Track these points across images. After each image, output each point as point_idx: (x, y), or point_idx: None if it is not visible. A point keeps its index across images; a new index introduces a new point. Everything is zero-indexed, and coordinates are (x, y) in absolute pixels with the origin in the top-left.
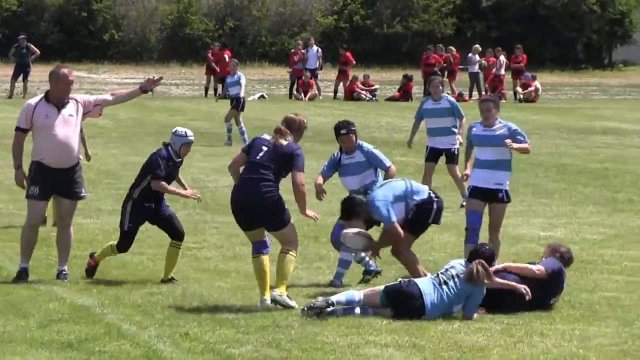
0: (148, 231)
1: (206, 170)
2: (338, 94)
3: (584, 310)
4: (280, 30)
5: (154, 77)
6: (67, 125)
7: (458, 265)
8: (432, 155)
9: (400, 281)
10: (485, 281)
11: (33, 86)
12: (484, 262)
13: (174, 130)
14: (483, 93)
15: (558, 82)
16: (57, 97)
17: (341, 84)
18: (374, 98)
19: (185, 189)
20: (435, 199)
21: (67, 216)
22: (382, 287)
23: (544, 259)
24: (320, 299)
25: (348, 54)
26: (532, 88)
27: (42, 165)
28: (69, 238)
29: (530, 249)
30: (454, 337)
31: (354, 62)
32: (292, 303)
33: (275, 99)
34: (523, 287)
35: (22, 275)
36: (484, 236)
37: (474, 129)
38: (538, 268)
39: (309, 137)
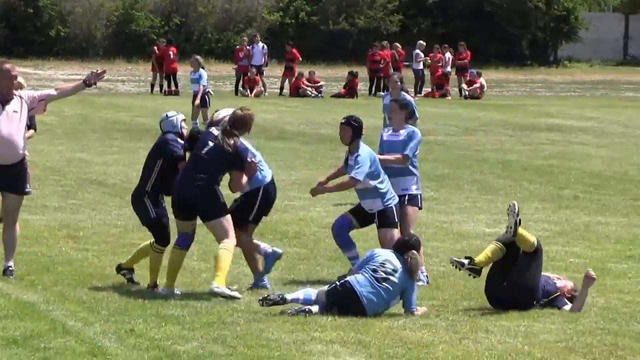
0: (93, 227)
1: None
2: (284, 91)
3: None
4: (226, 27)
5: (97, 70)
6: (11, 122)
7: (392, 258)
8: None
9: (335, 283)
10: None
11: None
12: (415, 253)
13: (163, 117)
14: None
15: (503, 78)
16: (0, 93)
17: (287, 80)
18: (319, 95)
19: None
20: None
21: (12, 211)
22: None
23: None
24: (276, 294)
25: (294, 50)
26: (478, 85)
27: None
28: (15, 234)
29: (476, 246)
30: (400, 334)
31: (300, 58)
32: (234, 293)
33: (221, 95)
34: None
35: None
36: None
37: (385, 133)
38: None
39: (255, 134)
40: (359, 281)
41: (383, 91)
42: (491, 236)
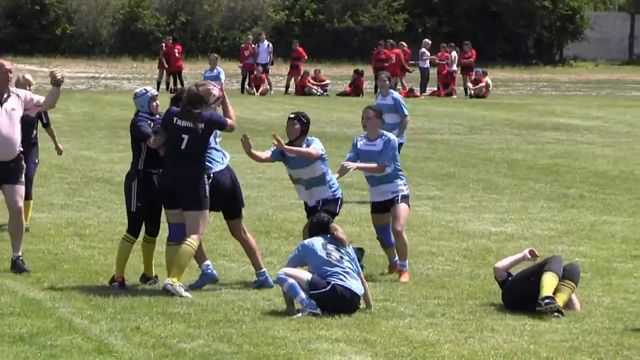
0: (100, 225)
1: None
2: (289, 89)
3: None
4: (231, 25)
5: (51, 70)
6: (9, 119)
7: (323, 242)
8: None
9: (322, 290)
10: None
11: None
12: (334, 225)
13: (133, 95)
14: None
15: (509, 77)
16: None
17: (293, 79)
18: (325, 93)
19: None
20: None
21: (15, 202)
22: (307, 277)
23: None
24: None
25: (300, 48)
26: (483, 84)
27: None
28: (21, 224)
29: (482, 245)
30: (405, 333)
31: (306, 57)
32: (186, 293)
33: (227, 93)
34: None
35: None
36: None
37: (358, 142)
38: None
39: (261, 132)
40: (342, 278)
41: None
42: (497, 235)
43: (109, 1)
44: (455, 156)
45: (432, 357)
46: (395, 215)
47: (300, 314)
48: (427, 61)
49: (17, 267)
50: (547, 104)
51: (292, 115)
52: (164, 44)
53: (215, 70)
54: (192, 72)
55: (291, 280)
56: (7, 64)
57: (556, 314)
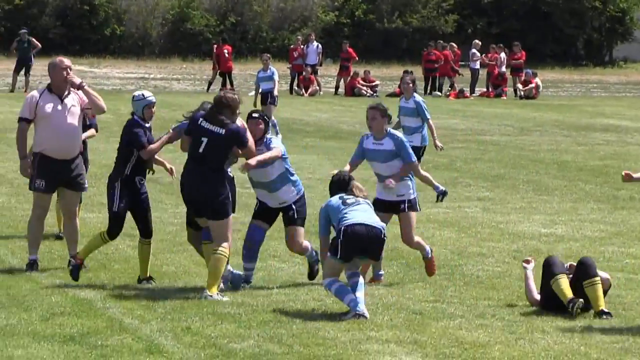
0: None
1: None
2: (339, 90)
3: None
4: (281, 26)
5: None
6: (70, 116)
7: (343, 196)
8: None
9: (336, 243)
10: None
11: (35, 80)
12: (357, 184)
13: (132, 97)
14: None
15: (558, 78)
16: (57, 86)
17: (342, 79)
18: (374, 94)
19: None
20: None
21: (71, 207)
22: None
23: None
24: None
25: (350, 49)
26: (533, 85)
27: (45, 157)
28: (76, 226)
29: (532, 246)
30: (455, 334)
31: (356, 57)
32: (226, 298)
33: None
34: None
35: (32, 266)
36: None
37: (365, 141)
38: None
39: (310, 133)
40: (353, 215)
41: (438, 91)
42: (547, 237)
43: (159, 1)
44: (505, 157)
45: (482, 358)
46: (403, 226)
47: (347, 316)
48: (478, 62)
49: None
50: (596, 105)
51: (255, 115)
52: (215, 45)
53: (268, 71)
54: (242, 73)
55: (338, 284)
56: (66, 60)
57: (603, 313)
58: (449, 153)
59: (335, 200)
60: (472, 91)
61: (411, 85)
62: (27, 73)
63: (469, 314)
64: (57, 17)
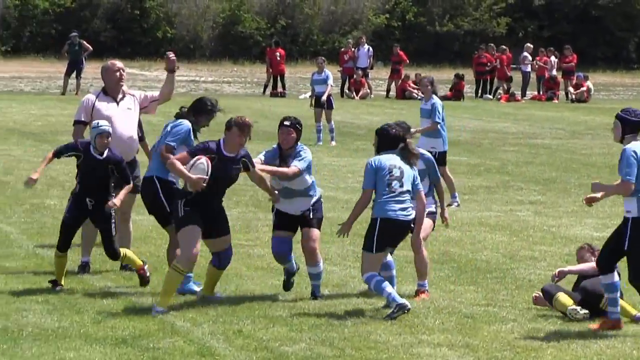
0: None
1: None
2: (390, 93)
3: (638, 312)
4: (331, 29)
5: (167, 55)
6: (126, 118)
7: (393, 169)
8: None
9: (370, 235)
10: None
11: (86, 83)
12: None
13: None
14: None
15: (610, 82)
16: (111, 89)
17: (393, 82)
18: None
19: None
20: None
21: (127, 209)
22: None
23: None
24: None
25: (401, 52)
26: (584, 88)
27: None
28: (129, 230)
29: None
30: (507, 337)
31: (407, 60)
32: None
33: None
34: None
35: (84, 269)
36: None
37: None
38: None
39: (362, 136)
40: (390, 207)
41: (490, 94)
42: (599, 240)
43: (210, 4)
44: (557, 161)
45: None
46: (418, 229)
47: (390, 312)
48: (529, 65)
49: (123, 269)
50: None
51: (287, 123)
52: (268, 49)
53: (323, 74)
54: (292, 76)
55: (378, 277)
56: (119, 63)
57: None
58: (500, 156)
59: (385, 162)
60: (524, 94)
61: (429, 87)
62: (78, 76)
63: (521, 318)
64: (107, 20)
